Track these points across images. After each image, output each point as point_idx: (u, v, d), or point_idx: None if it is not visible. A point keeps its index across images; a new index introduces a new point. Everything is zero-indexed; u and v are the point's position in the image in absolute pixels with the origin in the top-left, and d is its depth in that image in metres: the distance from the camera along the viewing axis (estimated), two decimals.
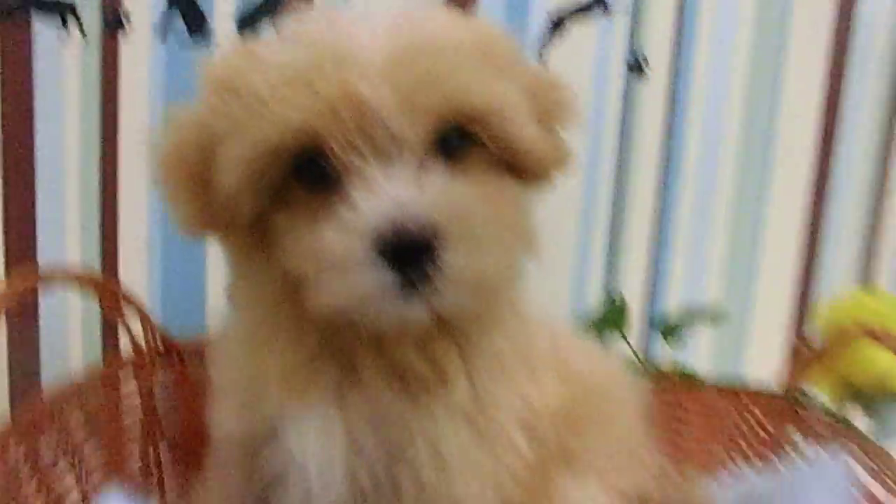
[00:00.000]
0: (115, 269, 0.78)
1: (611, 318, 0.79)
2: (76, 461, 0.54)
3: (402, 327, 0.42)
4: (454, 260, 0.39)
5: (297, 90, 0.39)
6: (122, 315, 0.57)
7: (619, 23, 0.84)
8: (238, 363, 0.50)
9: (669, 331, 0.75)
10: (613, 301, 0.81)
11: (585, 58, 0.84)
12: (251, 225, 0.43)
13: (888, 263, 0.95)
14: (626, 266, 0.91)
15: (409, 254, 0.38)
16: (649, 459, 0.60)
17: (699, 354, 0.94)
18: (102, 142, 0.77)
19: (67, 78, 0.74)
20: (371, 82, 0.39)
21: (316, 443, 0.47)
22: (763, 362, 0.92)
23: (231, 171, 0.41)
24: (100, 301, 0.56)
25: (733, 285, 0.93)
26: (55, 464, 0.51)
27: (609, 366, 0.62)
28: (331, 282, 0.39)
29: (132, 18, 0.75)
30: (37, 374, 0.77)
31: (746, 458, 0.66)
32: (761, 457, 0.64)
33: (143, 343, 0.61)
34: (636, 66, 0.85)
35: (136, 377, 0.61)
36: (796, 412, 0.59)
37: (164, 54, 0.76)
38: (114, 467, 0.58)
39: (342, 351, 0.46)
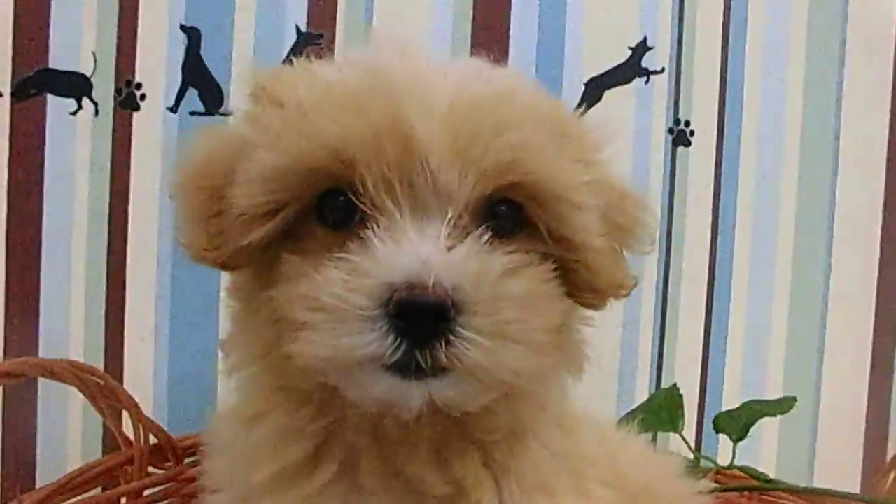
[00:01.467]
0: (120, 354, 0.72)
1: (665, 411, 0.70)
2: None
3: (389, 410, 0.35)
4: (471, 343, 0.32)
5: (344, 110, 0.35)
6: (105, 407, 0.51)
7: (660, 88, 0.80)
8: (233, 455, 0.43)
9: (730, 424, 0.65)
10: (666, 391, 0.73)
11: (625, 125, 0.79)
12: (258, 259, 0.38)
13: None
14: (677, 358, 0.83)
15: (420, 320, 0.32)
16: None
17: (762, 456, 0.84)
18: (110, 231, 0.73)
19: (78, 151, 0.71)
20: (428, 122, 0.34)
21: None
22: (835, 466, 0.83)
23: (250, 187, 0.36)
24: (85, 392, 0.51)
25: (796, 379, 0.85)
26: None
27: (669, 470, 0.54)
28: (322, 330, 0.33)
29: (147, 98, 0.72)
30: (33, 464, 0.71)
31: None
32: None
33: (134, 438, 0.55)
34: (680, 134, 0.80)
35: (123, 477, 0.54)
36: None
37: (175, 126, 0.73)
38: None
39: (345, 453, 0.39)
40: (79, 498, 0.51)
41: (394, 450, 0.39)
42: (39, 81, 0.70)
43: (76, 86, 0.71)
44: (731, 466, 0.63)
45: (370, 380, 0.33)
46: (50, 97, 0.70)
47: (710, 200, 0.82)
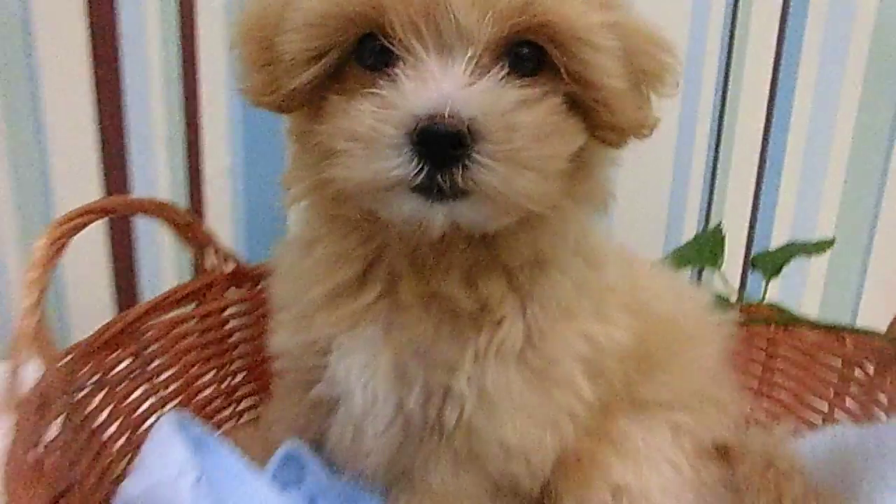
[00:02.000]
0: (200, 192, 0.80)
1: (705, 249, 0.73)
2: (149, 379, 0.56)
3: (417, 230, 0.40)
4: (486, 167, 0.36)
5: None
6: (189, 239, 0.59)
7: None
8: (291, 278, 0.50)
9: (766, 263, 0.67)
10: (711, 231, 0.75)
11: None
12: (308, 101, 0.42)
13: None
14: (728, 196, 0.83)
15: (441, 146, 0.35)
16: (731, 406, 0.56)
17: (806, 300, 0.86)
18: (184, 75, 0.77)
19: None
20: None
21: (362, 371, 0.47)
22: (880, 310, 0.81)
23: (297, 35, 0.39)
24: (170, 225, 0.58)
25: (850, 222, 0.84)
26: (127, 378, 0.54)
27: (694, 303, 0.58)
28: (356, 156, 0.37)
29: None
30: (135, 287, 0.81)
31: (844, 408, 0.60)
32: (862, 408, 0.57)
33: (214, 267, 0.63)
34: None
35: (204, 301, 0.62)
36: None
37: None
38: (187, 388, 0.60)
39: (388, 275, 0.45)
40: (171, 314, 0.60)
41: (429, 272, 0.44)
42: None
43: None
44: (759, 303, 0.66)
45: (398, 200, 0.38)
46: None
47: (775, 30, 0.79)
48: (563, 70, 0.40)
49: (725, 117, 0.81)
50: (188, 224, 0.59)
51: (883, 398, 0.54)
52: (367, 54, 0.39)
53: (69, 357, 0.48)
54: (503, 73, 0.38)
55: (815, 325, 0.62)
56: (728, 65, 0.79)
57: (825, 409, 0.61)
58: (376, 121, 0.36)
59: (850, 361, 0.59)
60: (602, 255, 0.50)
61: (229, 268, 0.63)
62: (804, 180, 0.83)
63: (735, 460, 0.54)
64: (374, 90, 0.38)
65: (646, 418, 0.50)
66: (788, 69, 0.79)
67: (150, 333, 0.57)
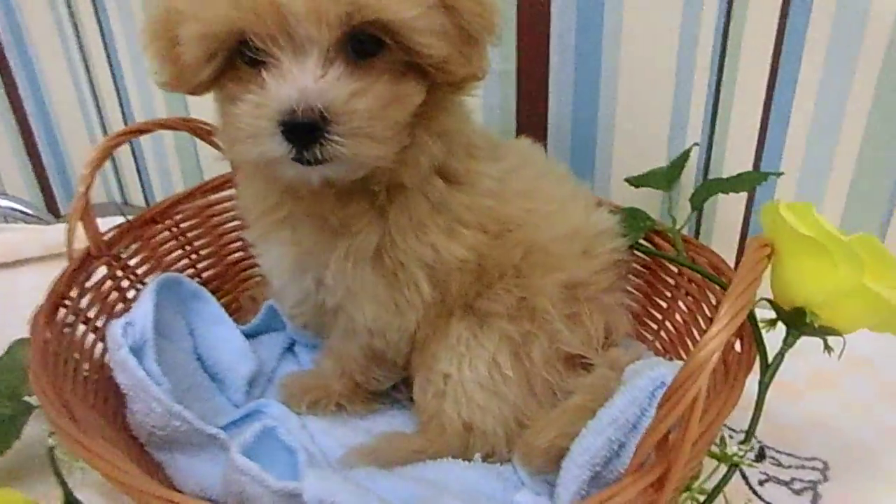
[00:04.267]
0: None
1: (669, 171, 0.76)
2: (183, 245, 0.80)
3: (304, 183, 0.55)
4: (336, 143, 0.50)
5: None
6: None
7: None
8: (241, 196, 0.68)
9: (700, 193, 0.69)
10: (679, 155, 0.76)
11: None
12: (214, 86, 0.55)
13: None
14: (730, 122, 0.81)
15: (302, 131, 0.49)
16: (589, 322, 0.64)
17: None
18: None
19: None
20: None
21: (275, 262, 0.65)
22: None
23: (190, 46, 0.51)
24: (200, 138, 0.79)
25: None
26: (166, 242, 0.78)
27: (578, 227, 0.65)
28: (245, 141, 0.52)
29: None
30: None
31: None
32: None
33: None
34: None
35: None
36: None
37: None
38: (219, 252, 0.84)
39: (292, 199, 0.61)
40: (204, 199, 0.82)
41: (314, 198, 0.59)
42: None
43: None
44: (669, 230, 0.69)
45: (283, 167, 0.53)
46: None
47: None
48: (395, 49, 0.51)
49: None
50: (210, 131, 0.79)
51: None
52: (245, 55, 0.52)
53: (115, 230, 0.73)
54: (342, 68, 0.50)
55: (690, 267, 0.65)
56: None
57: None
58: (254, 117, 0.50)
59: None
60: (469, 177, 0.61)
61: None
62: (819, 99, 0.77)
63: (588, 370, 0.64)
64: (251, 88, 0.51)
65: (475, 323, 0.62)
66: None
67: (187, 212, 0.80)
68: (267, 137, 0.50)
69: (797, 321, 0.50)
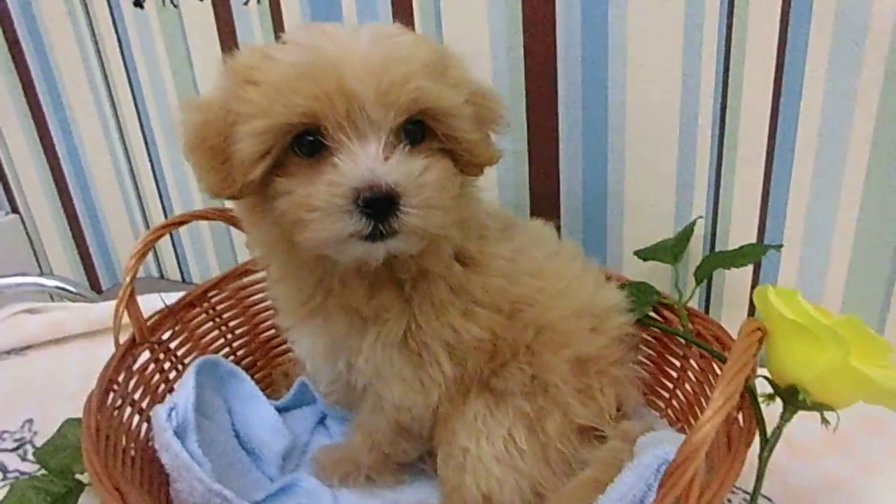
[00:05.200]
0: None
1: (674, 244, 0.79)
2: (219, 327, 0.86)
3: (364, 262, 0.60)
4: (410, 214, 0.54)
5: (305, 84, 0.53)
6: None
7: None
8: (273, 290, 0.74)
9: (705, 266, 0.73)
10: (685, 228, 0.80)
11: None
12: (257, 188, 0.58)
13: None
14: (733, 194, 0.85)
15: (377, 207, 0.54)
16: (600, 395, 0.67)
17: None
18: None
19: None
20: (359, 82, 0.54)
21: (308, 349, 0.70)
22: None
23: (249, 143, 0.55)
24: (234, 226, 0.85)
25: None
26: (202, 325, 0.84)
27: (587, 304, 0.69)
28: (318, 222, 0.55)
29: None
30: None
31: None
32: None
33: None
34: None
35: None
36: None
37: None
38: (252, 331, 0.89)
39: (324, 293, 0.66)
40: (238, 281, 0.88)
41: (347, 290, 0.64)
42: None
43: None
44: (675, 303, 0.72)
45: (353, 246, 0.56)
46: None
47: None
48: (440, 135, 0.58)
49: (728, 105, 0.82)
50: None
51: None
52: (303, 147, 0.57)
53: (157, 315, 0.79)
54: (406, 148, 0.56)
55: (694, 342, 0.68)
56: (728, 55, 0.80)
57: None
58: (329, 195, 0.54)
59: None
60: (484, 259, 0.66)
61: None
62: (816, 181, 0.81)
63: (602, 440, 0.67)
64: (313, 174, 0.55)
65: (491, 401, 0.66)
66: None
67: (222, 295, 0.86)
68: (343, 214, 0.54)
69: (792, 398, 0.53)
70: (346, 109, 0.54)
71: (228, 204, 1.00)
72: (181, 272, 1.27)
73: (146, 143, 1.17)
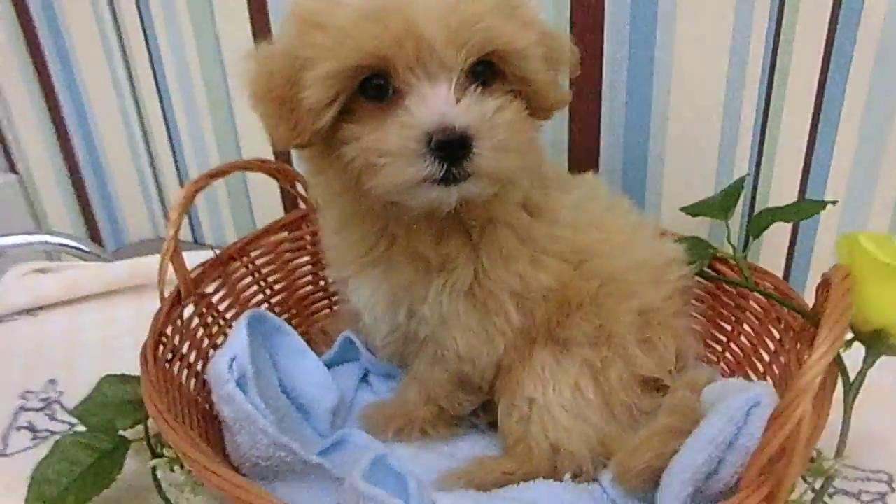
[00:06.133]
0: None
1: (720, 202, 0.79)
2: (259, 281, 0.84)
3: (435, 209, 0.58)
4: (483, 156, 0.53)
5: (373, 25, 0.52)
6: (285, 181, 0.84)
7: None
8: (329, 241, 0.72)
9: (759, 221, 0.73)
10: (733, 184, 0.80)
11: None
12: (325, 134, 0.57)
13: None
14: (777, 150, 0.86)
15: (451, 149, 0.53)
16: (662, 347, 0.68)
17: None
18: None
19: None
20: (428, 23, 0.52)
21: (368, 299, 0.69)
22: None
23: (317, 88, 0.54)
24: (271, 175, 0.82)
25: None
26: (242, 279, 0.82)
27: (648, 256, 0.69)
28: (389, 167, 0.54)
29: None
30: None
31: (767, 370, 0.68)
32: (778, 371, 0.66)
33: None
34: None
35: (309, 224, 0.87)
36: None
37: None
38: (290, 287, 0.87)
39: (388, 241, 0.65)
40: (277, 236, 0.86)
41: (414, 237, 0.63)
42: None
43: None
44: (732, 257, 0.73)
45: (426, 191, 0.55)
46: None
47: None
48: (511, 76, 0.57)
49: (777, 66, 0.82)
50: (279, 169, 0.83)
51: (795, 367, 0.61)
52: (371, 91, 0.55)
53: (201, 269, 0.76)
54: (475, 91, 0.54)
55: (753, 289, 0.69)
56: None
57: (762, 368, 0.69)
58: (402, 139, 0.53)
59: (786, 330, 0.65)
60: (550, 208, 0.66)
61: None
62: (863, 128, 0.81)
63: (665, 391, 0.68)
64: (383, 118, 0.54)
65: (561, 351, 0.65)
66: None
67: (260, 250, 0.84)
68: (416, 158, 0.52)
69: (878, 342, 0.53)
70: (416, 51, 0.52)
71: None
72: (193, 234, 1.23)
73: (161, 102, 1.13)
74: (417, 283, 0.64)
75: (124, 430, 0.70)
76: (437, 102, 0.53)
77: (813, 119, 0.82)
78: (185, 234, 1.23)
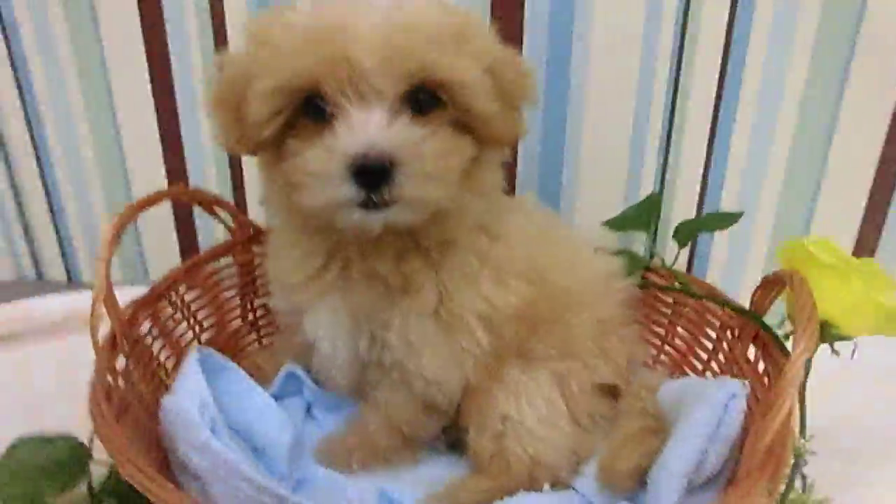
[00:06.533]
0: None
1: (642, 215, 0.86)
2: (188, 318, 0.78)
3: (365, 231, 0.57)
4: (405, 184, 0.53)
5: (309, 47, 0.53)
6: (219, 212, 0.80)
7: None
8: (277, 263, 0.69)
9: (682, 232, 0.80)
10: (648, 198, 0.87)
11: None
12: (271, 146, 0.58)
13: None
14: (679, 168, 0.94)
15: (371, 176, 0.52)
16: (616, 354, 0.72)
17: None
18: None
19: None
20: (361, 49, 0.52)
21: (327, 327, 0.66)
22: None
23: (259, 102, 0.55)
24: (202, 207, 0.78)
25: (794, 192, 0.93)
26: (171, 319, 0.76)
27: (592, 271, 0.73)
28: (312, 187, 0.54)
29: None
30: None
31: (715, 365, 0.74)
32: (718, 367, 0.73)
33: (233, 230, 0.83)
34: None
35: (235, 255, 0.83)
36: (756, 334, 0.65)
37: None
38: (219, 322, 0.82)
39: (342, 262, 0.63)
40: (207, 268, 0.81)
41: (370, 257, 0.62)
42: None
43: None
44: (665, 267, 0.79)
45: (347, 214, 0.55)
46: None
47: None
48: (451, 107, 0.56)
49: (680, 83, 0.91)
50: (213, 201, 0.78)
51: (741, 361, 0.67)
52: (311, 111, 0.56)
53: (131, 309, 0.70)
54: (408, 116, 0.54)
55: (693, 295, 0.76)
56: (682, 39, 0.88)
57: (700, 366, 0.76)
58: (324, 162, 0.53)
59: (722, 329, 0.72)
60: (505, 231, 0.67)
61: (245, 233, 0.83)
62: (751, 149, 0.92)
63: (620, 396, 0.72)
64: (319, 138, 0.54)
65: (529, 366, 0.68)
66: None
67: (190, 285, 0.78)
68: (337, 181, 0.52)
69: (822, 333, 0.61)
70: (347, 75, 0.53)
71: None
72: (67, 271, 1.11)
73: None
74: (380, 307, 0.64)
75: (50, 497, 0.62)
76: (363, 127, 0.53)
77: (709, 138, 0.91)
78: (60, 272, 1.11)
